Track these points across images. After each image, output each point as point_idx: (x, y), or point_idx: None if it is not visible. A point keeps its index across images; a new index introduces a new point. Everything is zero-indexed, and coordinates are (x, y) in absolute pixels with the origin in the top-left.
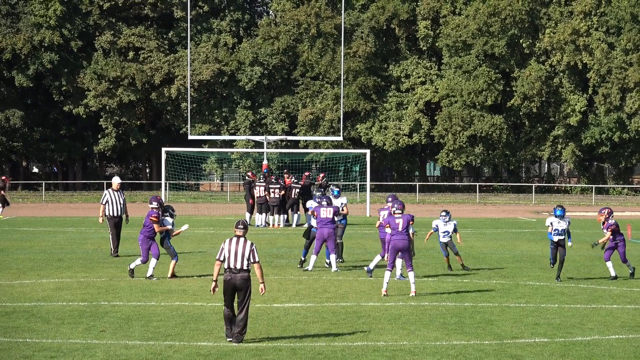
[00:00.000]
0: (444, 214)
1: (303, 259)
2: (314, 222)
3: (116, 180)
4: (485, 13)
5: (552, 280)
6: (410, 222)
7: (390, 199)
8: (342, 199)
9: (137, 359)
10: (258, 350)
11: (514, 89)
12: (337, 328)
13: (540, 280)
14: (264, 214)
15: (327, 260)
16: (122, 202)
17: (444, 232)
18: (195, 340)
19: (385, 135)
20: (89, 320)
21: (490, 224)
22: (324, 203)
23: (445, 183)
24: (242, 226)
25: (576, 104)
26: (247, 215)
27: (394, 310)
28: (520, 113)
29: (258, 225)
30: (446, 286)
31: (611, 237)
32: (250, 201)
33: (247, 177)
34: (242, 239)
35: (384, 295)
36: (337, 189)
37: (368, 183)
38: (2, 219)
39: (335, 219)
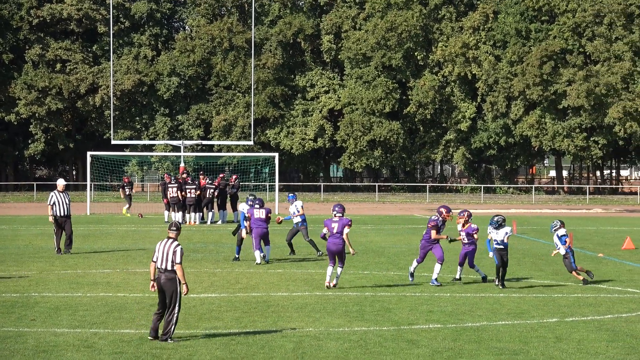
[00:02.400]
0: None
1: (237, 256)
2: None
3: (61, 182)
4: (383, 28)
5: (442, 271)
6: (347, 226)
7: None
8: (298, 203)
9: (65, 346)
10: (175, 336)
11: (409, 97)
12: (248, 316)
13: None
14: (180, 213)
15: (261, 255)
16: (67, 202)
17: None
18: (118, 327)
19: (293, 139)
20: (20, 310)
21: (388, 221)
22: (257, 205)
23: (347, 183)
24: (174, 228)
25: (466, 111)
26: (165, 213)
27: (300, 300)
28: (416, 119)
29: None
30: (348, 277)
31: (464, 239)
32: (165, 200)
33: (162, 179)
34: (170, 240)
35: (327, 287)
36: (293, 194)
37: (277, 184)
38: None
39: (297, 219)
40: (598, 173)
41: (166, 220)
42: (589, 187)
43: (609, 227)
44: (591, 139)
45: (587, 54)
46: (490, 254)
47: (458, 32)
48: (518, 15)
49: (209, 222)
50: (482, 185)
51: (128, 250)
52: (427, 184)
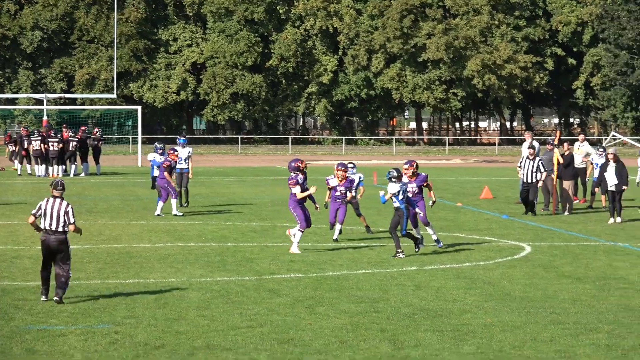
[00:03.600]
0: (352, 165)
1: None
2: (156, 173)
3: None
4: None
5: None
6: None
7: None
8: (190, 149)
9: None
10: (37, 287)
11: (272, 51)
12: (110, 267)
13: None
14: (43, 165)
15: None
16: None
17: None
18: None
19: (156, 93)
20: None
21: (251, 172)
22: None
23: (210, 136)
24: (60, 187)
25: (328, 64)
26: (18, 166)
27: (162, 251)
28: (278, 72)
29: (39, 175)
30: (210, 228)
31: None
32: (23, 152)
33: (20, 133)
34: (58, 200)
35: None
36: (184, 138)
37: (140, 136)
38: None
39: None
40: (457, 125)
41: (19, 173)
42: (448, 139)
43: (468, 177)
44: (450, 91)
45: (447, 7)
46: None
47: None
48: None
49: (71, 175)
50: (344, 137)
51: None
52: (290, 136)
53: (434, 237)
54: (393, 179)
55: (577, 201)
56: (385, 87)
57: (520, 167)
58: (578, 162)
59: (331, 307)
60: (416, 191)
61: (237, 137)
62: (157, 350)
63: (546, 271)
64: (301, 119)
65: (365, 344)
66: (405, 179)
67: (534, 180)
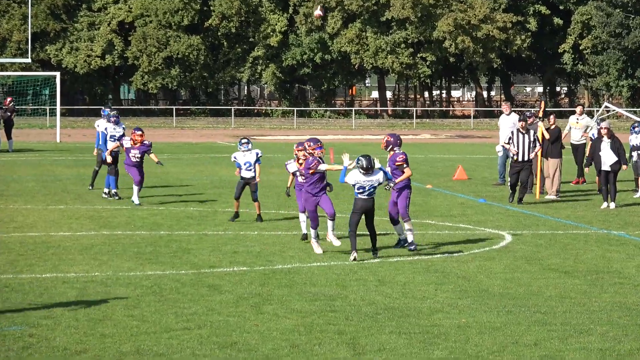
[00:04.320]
0: (246, 140)
1: (115, 191)
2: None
3: None
4: None
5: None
6: None
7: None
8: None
9: None
10: None
11: (211, 8)
12: (24, 259)
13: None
14: None
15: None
16: None
17: (246, 164)
18: None
19: (77, 57)
20: None
21: (187, 149)
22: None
23: (140, 107)
24: None
25: (276, 24)
26: None
27: (85, 240)
28: (219, 33)
29: None
30: (141, 214)
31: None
32: None
33: None
34: None
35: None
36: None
37: (58, 107)
38: None
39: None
40: (426, 94)
41: None
42: (416, 110)
43: (439, 155)
44: (418, 55)
45: None
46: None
47: None
48: None
49: None
50: (295, 109)
51: None
52: (232, 107)
53: (410, 237)
54: (361, 170)
55: (585, 183)
56: (342, 50)
57: (508, 143)
58: (577, 138)
59: (281, 306)
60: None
61: (172, 109)
62: (78, 355)
63: (529, 264)
64: (246, 88)
65: (320, 348)
66: (379, 174)
67: (530, 158)
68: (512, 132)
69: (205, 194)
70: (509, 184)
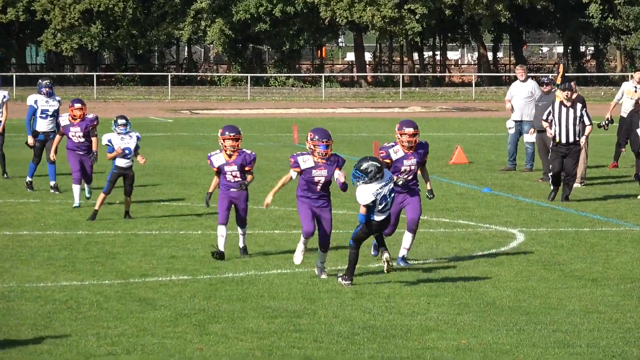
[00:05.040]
0: (124, 122)
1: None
2: (41, 127)
3: None
4: None
5: (195, 200)
6: None
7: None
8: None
9: None
10: None
11: None
12: None
13: (182, 199)
14: None
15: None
16: None
17: (124, 151)
18: None
19: None
20: None
21: (111, 126)
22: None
23: (52, 73)
24: None
25: None
26: None
27: None
28: None
29: None
30: (53, 210)
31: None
32: None
33: None
34: None
35: None
36: None
37: None
38: None
39: None
40: (416, 56)
41: None
42: (402, 77)
43: (432, 133)
44: (405, 7)
45: None
46: None
47: None
48: None
49: None
50: (249, 75)
51: None
52: (169, 74)
53: (405, 253)
54: (370, 179)
55: (617, 168)
56: (309, 1)
57: (547, 120)
58: (628, 109)
59: (232, 325)
60: (412, 173)
61: (92, 76)
62: None
63: (547, 270)
64: (186, 49)
65: None
66: (386, 172)
67: (576, 139)
68: (553, 106)
69: (136, 183)
70: (549, 175)
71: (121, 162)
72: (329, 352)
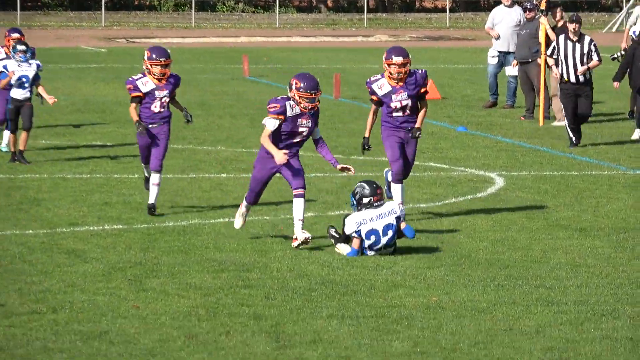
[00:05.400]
0: (23, 48)
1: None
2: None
3: None
4: None
5: (131, 138)
6: None
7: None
8: None
9: None
10: None
11: None
12: None
13: (118, 138)
14: None
15: None
16: None
17: (20, 80)
18: None
19: None
20: None
21: (38, 56)
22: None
23: None
24: None
25: None
26: None
27: None
28: None
29: None
30: None
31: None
32: None
33: None
34: None
35: None
36: None
37: None
38: None
39: None
40: None
41: None
42: (367, 1)
43: None
44: None
45: None
46: None
47: None
48: None
49: None
50: None
51: None
52: None
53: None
54: (359, 204)
55: None
56: None
57: (552, 56)
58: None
59: (172, 280)
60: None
61: (15, 0)
62: None
63: (529, 218)
64: None
65: (228, 339)
66: (388, 205)
67: (587, 78)
68: (558, 41)
69: (63, 119)
70: (564, 117)
71: (17, 93)
72: (282, 310)
